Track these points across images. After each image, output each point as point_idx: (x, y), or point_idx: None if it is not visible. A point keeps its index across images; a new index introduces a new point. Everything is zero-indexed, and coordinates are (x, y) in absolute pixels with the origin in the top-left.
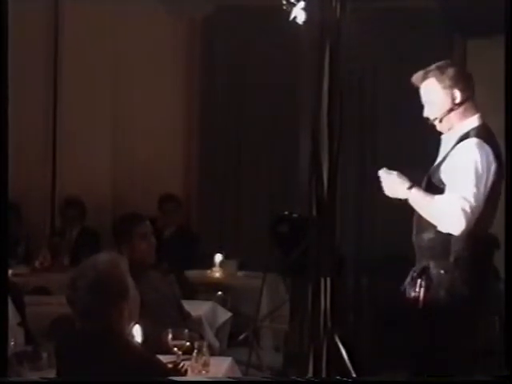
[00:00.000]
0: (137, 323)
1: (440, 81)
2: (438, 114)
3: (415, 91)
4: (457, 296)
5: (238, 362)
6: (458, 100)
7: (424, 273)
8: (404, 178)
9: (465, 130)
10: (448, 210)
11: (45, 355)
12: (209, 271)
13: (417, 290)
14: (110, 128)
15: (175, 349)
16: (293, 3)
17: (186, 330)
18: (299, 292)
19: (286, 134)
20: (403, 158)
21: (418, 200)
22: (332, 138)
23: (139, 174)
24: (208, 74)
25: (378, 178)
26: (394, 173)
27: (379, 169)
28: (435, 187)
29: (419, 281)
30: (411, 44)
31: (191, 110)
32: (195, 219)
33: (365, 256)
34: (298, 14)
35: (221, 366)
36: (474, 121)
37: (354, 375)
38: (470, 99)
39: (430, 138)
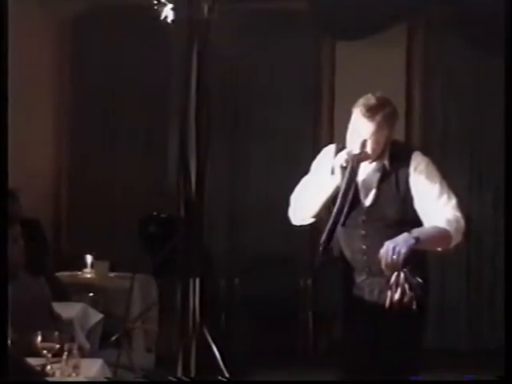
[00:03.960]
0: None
1: (389, 119)
2: (379, 150)
3: (287, 93)
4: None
5: (109, 363)
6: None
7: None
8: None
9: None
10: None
11: None
12: (80, 272)
13: (400, 293)
14: None
15: (44, 351)
16: (163, 3)
17: (56, 333)
18: (169, 292)
19: (155, 134)
20: (275, 158)
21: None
22: (200, 137)
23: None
24: (79, 74)
25: (249, 175)
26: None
27: (250, 167)
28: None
29: (404, 285)
30: (282, 45)
31: (62, 108)
32: (65, 220)
33: (237, 256)
34: (168, 13)
35: (91, 368)
36: None
37: (227, 375)
38: None
39: (300, 142)
